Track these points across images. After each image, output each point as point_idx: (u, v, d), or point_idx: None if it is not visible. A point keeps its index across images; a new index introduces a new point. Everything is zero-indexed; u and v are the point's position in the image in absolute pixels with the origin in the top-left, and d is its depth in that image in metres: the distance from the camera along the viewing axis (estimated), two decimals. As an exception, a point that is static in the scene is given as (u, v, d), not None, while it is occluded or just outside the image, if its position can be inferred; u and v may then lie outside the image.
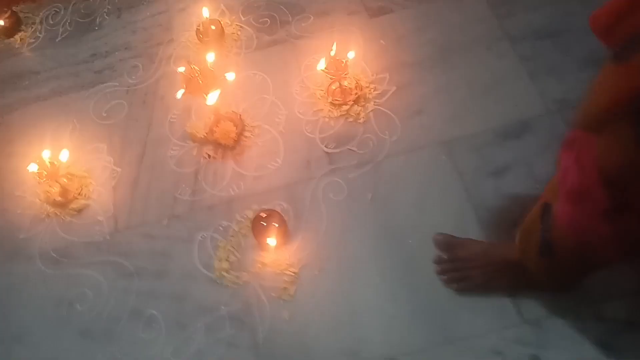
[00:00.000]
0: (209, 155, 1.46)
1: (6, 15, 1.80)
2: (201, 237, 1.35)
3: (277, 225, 1.27)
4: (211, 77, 1.31)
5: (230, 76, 1.35)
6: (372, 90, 1.48)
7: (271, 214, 1.29)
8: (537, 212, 0.98)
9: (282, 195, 1.37)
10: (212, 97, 1.32)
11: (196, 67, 1.30)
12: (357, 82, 1.48)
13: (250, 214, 1.34)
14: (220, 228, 1.35)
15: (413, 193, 1.32)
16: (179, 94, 1.33)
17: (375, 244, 1.27)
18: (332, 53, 1.41)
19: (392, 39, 1.57)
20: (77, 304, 1.31)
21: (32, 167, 1.39)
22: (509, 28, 1.53)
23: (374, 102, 1.46)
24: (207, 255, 1.32)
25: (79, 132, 1.56)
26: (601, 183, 0.77)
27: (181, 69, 1.33)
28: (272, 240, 1.25)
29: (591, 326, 1.11)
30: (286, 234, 1.28)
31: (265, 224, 1.28)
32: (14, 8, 1.85)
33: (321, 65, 1.41)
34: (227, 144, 1.44)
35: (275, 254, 1.28)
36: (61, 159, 1.42)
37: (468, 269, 1.17)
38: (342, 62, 1.41)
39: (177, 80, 1.57)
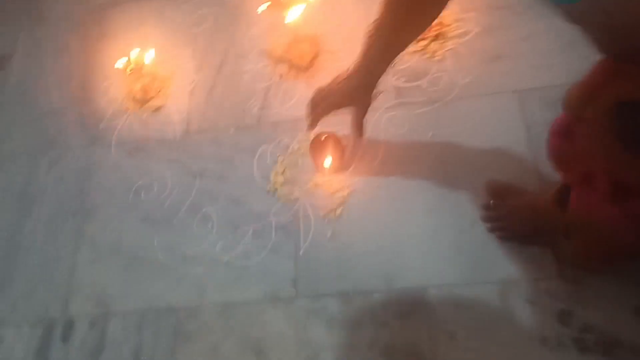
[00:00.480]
0: (282, 75, 1.49)
1: None
2: (262, 149, 1.41)
3: (334, 148, 1.30)
4: (293, -7, 1.34)
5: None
6: (454, 28, 1.44)
7: (330, 137, 1.32)
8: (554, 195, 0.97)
9: (345, 121, 1.39)
10: (293, 14, 1.34)
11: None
12: (440, 19, 1.44)
13: (311, 135, 1.37)
14: (282, 144, 1.40)
15: (475, 138, 1.30)
16: (261, 8, 1.36)
17: (427, 181, 1.28)
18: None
19: (485, -21, 1.50)
20: (142, 192, 1.42)
21: (119, 63, 1.48)
22: None
23: (454, 41, 1.43)
24: (265, 167, 1.38)
25: (167, 36, 1.64)
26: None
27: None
28: (327, 162, 1.29)
29: (630, 291, 1.08)
30: (342, 159, 1.32)
31: (323, 146, 1.31)
32: None
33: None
34: (301, 65, 1.47)
35: (329, 176, 1.31)
36: (146, 58, 1.50)
37: (513, 220, 1.16)
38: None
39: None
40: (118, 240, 1.38)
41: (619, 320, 1.05)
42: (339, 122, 1.36)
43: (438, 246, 1.21)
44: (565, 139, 0.88)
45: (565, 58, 1.35)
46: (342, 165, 1.32)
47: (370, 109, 1.31)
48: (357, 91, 1.17)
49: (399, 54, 1.11)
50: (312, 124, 1.24)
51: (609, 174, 0.82)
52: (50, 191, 1.49)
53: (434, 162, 1.30)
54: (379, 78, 1.14)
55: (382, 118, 1.37)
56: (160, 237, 1.35)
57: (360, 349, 1.15)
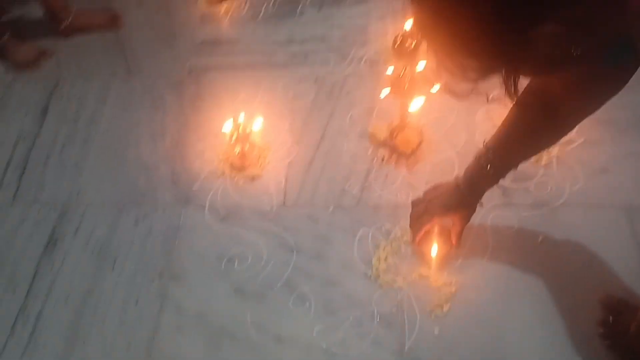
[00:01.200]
0: (383, 158, 1.50)
1: (220, -16, 1.95)
2: (363, 232, 1.39)
3: (441, 238, 1.29)
4: (417, 84, 1.36)
5: (436, 88, 1.39)
6: (559, 136, 1.47)
7: (440, 228, 1.31)
8: None
9: (449, 214, 1.39)
10: (417, 104, 1.36)
11: (407, 71, 1.35)
12: (545, 126, 1.47)
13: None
14: (383, 229, 1.39)
15: (585, 248, 1.30)
16: (384, 92, 1.38)
17: (536, 284, 1.26)
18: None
19: (588, 92, 1.55)
20: (236, 261, 1.39)
21: (226, 127, 1.49)
22: None
23: (559, 148, 1.45)
24: (365, 251, 1.36)
25: (265, 106, 1.66)
26: None
27: (390, 71, 1.38)
28: (434, 251, 1.27)
29: None
30: (450, 252, 1.30)
31: (430, 235, 1.30)
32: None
33: (519, 100, 1.42)
34: (404, 151, 1.48)
35: (435, 268, 1.29)
36: (253, 127, 1.51)
37: (635, 340, 1.13)
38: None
39: (365, 81, 1.65)
40: (206, 309, 1.33)
41: None
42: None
43: (545, 354, 1.17)
44: None
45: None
46: (448, 259, 1.30)
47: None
48: (459, 206, 1.22)
49: (505, 176, 1.13)
50: (416, 237, 1.28)
51: None
52: (135, 247, 1.45)
53: (544, 267, 1.29)
54: (482, 196, 1.17)
55: (488, 216, 1.37)
56: (253, 312, 1.31)
57: None
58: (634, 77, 1.45)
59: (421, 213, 1.29)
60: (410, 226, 1.32)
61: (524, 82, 0.85)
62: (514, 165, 1.12)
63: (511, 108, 1.03)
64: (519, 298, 1.25)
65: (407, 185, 1.46)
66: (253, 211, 1.47)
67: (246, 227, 1.44)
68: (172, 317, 1.33)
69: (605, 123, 1.49)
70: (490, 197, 1.39)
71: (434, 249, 1.28)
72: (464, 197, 1.20)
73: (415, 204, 1.31)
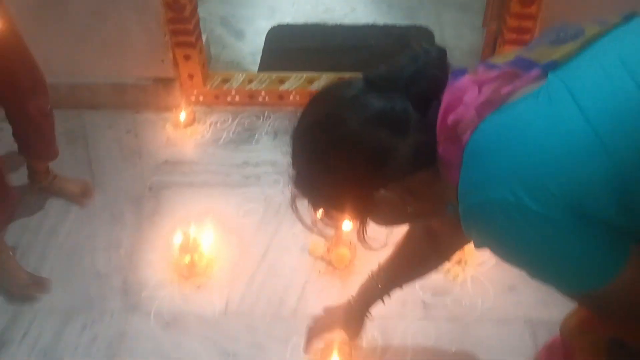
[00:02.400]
0: (320, 271, 1.66)
1: (187, 111, 2.19)
2: (296, 341, 1.50)
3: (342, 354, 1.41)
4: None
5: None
6: (474, 257, 1.66)
7: (340, 344, 1.42)
8: None
9: (374, 324, 1.52)
10: (349, 224, 1.54)
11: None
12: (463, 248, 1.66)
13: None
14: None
15: (493, 358, 1.43)
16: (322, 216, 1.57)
17: (450, 395, 1.38)
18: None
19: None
20: (175, 367, 1.47)
21: (177, 238, 1.64)
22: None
23: (474, 268, 1.63)
24: (298, 357, 1.47)
25: (217, 221, 1.82)
26: None
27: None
28: None
29: None
30: None
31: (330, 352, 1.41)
32: (193, 108, 2.25)
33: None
34: (339, 266, 1.64)
35: None
36: (203, 239, 1.67)
37: None
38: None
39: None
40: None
41: None
42: (370, 325, 1.49)
43: None
44: (564, 356, 1.02)
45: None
46: None
47: (400, 315, 1.46)
48: (348, 320, 1.35)
49: (390, 293, 1.29)
50: (308, 343, 1.40)
51: None
52: (79, 353, 1.52)
53: (457, 377, 1.41)
54: (367, 311, 1.33)
55: (410, 328, 1.51)
56: (187, 416, 1.38)
57: None
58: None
59: (317, 327, 1.40)
60: (306, 336, 1.41)
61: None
62: (400, 285, 1.28)
63: (402, 237, 1.22)
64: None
65: (340, 296, 1.59)
66: (196, 318, 1.58)
67: (188, 334, 1.54)
68: (109, 420, 1.39)
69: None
70: (413, 310, 1.54)
71: None
72: (353, 311, 1.33)
73: (315, 319, 1.41)
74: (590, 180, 0.67)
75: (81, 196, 1.91)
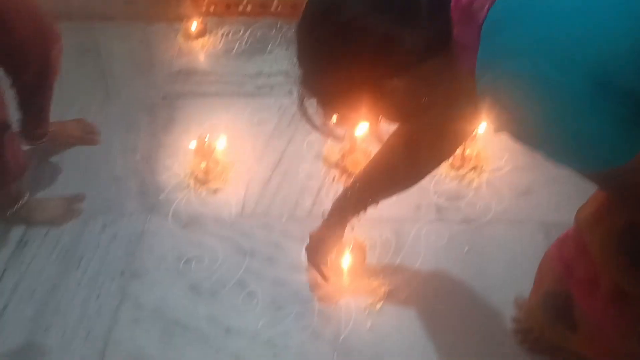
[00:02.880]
0: (334, 178, 1.67)
1: (198, 21, 2.16)
2: (311, 240, 1.53)
3: (355, 251, 1.42)
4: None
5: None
6: (489, 163, 1.66)
7: (352, 241, 1.45)
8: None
9: (388, 226, 1.55)
10: (361, 129, 1.54)
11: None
12: (478, 152, 1.66)
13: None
14: (329, 238, 1.53)
15: (506, 258, 1.46)
16: (334, 118, 1.56)
17: (462, 289, 1.41)
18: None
19: (517, 128, 1.75)
20: (193, 262, 1.51)
21: (193, 144, 1.65)
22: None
23: (489, 173, 1.64)
24: (312, 256, 1.50)
25: (231, 129, 1.82)
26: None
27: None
28: (345, 262, 1.40)
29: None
30: (363, 262, 1.43)
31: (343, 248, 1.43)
32: (204, 18, 2.21)
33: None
34: (353, 171, 1.65)
35: (347, 277, 1.42)
36: (218, 145, 1.67)
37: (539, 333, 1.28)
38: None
39: (323, 111, 1.83)
40: (162, 304, 1.44)
41: None
42: (385, 227, 1.51)
43: (470, 350, 1.31)
44: (576, 247, 1.03)
45: (583, 201, 1.55)
46: (360, 268, 1.43)
47: (414, 218, 1.48)
48: (331, 237, 1.34)
49: (365, 209, 1.27)
50: (324, 277, 1.37)
51: (614, 281, 0.95)
52: (100, 249, 1.57)
53: (468, 274, 1.44)
54: (345, 225, 1.32)
55: (423, 229, 1.53)
56: (205, 307, 1.43)
57: None
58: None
59: (314, 252, 1.37)
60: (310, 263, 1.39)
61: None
62: (374, 200, 1.25)
63: (380, 147, 1.18)
64: (445, 299, 1.39)
65: (353, 201, 1.62)
66: (213, 219, 1.61)
67: (205, 233, 1.58)
68: (130, 310, 1.44)
69: (531, 153, 1.67)
70: (426, 213, 1.56)
71: (346, 261, 1.40)
72: (329, 224, 1.32)
73: (306, 250, 1.39)
74: (617, 47, 0.65)
75: (86, 134, 1.84)
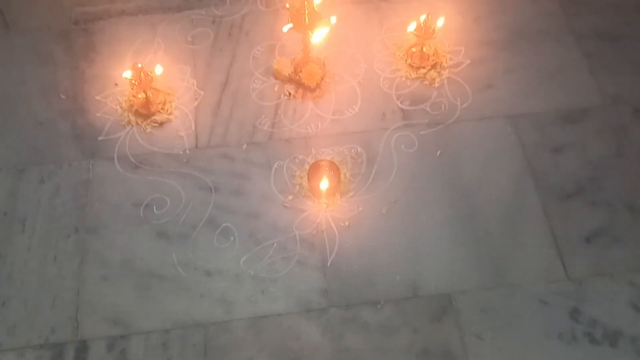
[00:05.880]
0: (290, 93, 1.55)
1: None
2: (278, 165, 1.44)
3: (331, 173, 1.36)
4: (316, 17, 1.40)
5: (334, 19, 1.44)
6: (448, 59, 1.59)
7: (327, 163, 1.39)
8: None
9: (356, 139, 1.48)
10: (319, 35, 1.40)
11: (306, 5, 1.38)
12: (435, 50, 1.59)
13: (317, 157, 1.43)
14: (297, 160, 1.44)
15: (479, 155, 1.44)
16: (286, 27, 1.41)
17: (440, 194, 1.39)
18: (423, 18, 1.51)
19: (469, 18, 1.68)
20: (154, 207, 1.39)
21: (127, 74, 1.45)
22: (575, 26, 1.66)
23: (449, 70, 1.57)
24: (282, 181, 1.42)
25: (163, 51, 1.62)
26: None
27: (288, 5, 1.41)
28: (323, 185, 1.34)
29: (624, 290, 1.26)
30: (338, 183, 1.37)
31: (320, 171, 1.37)
32: None
33: (411, 27, 1.52)
34: (309, 85, 1.53)
35: (326, 199, 1.37)
36: (156, 72, 1.48)
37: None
38: (430, 27, 1.51)
39: (263, 18, 1.67)
40: (131, 257, 1.33)
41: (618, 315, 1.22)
42: (352, 141, 1.44)
43: (457, 253, 1.32)
44: None
45: (545, 88, 1.55)
46: (337, 189, 1.38)
47: (380, 127, 1.41)
48: None
49: None
50: None
51: None
52: (43, 206, 1.40)
53: (445, 177, 1.42)
54: None
55: (392, 137, 1.48)
56: (179, 253, 1.33)
57: (398, 353, 1.21)
58: (498, 3, 1.58)
59: None
60: None
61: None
62: None
63: None
64: (426, 208, 1.38)
65: (315, 116, 1.52)
66: (165, 156, 1.46)
67: (160, 173, 1.44)
68: (95, 268, 1.32)
69: (486, 44, 1.63)
70: (392, 120, 1.49)
71: (324, 184, 1.34)
72: None
73: None
74: None
75: None
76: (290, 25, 1.40)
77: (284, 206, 1.38)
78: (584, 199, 1.38)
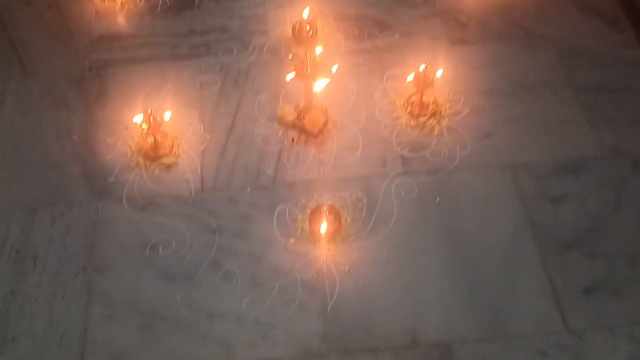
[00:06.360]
0: (293, 139, 1.60)
1: (112, -22, 1.94)
2: (280, 208, 1.48)
3: (331, 217, 1.40)
4: (318, 67, 1.46)
5: (335, 69, 1.50)
6: (447, 108, 1.65)
7: (329, 207, 1.43)
8: None
9: (357, 185, 1.52)
10: (320, 85, 1.46)
11: (309, 56, 1.45)
12: (434, 98, 1.64)
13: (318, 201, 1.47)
14: (299, 204, 1.49)
15: (477, 203, 1.48)
16: (289, 76, 1.48)
17: (439, 241, 1.42)
18: (421, 69, 1.57)
19: (469, 68, 1.74)
20: (159, 248, 1.43)
21: (137, 118, 1.51)
22: (574, 78, 1.71)
23: (449, 119, 1.63)
24: (284, 225, 1.45)
25: (172, 97, 1.69)
26: None
27: (291, 56, 1.47)
28: (323, 228, 1.38)
29: (624, 344, 1.27)
30: (338, 228, 1.41)
31: (321, 215, 1.41)
32: (118, -26, 1.99)
33: (411, 77, 1.58)
34: (312, 131, 1.59)
35: (327, 242, 1.41)
36: (165, 117, 1.54)
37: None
38: (429, 78, 1.57)
39: (269, 67, 1.74)
40: (135, 297, 1.36)
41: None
42: (353, 186, 1.48)
43: (456, 302, 1.34)
44: None
45: (544, 139, 1.59)
46: (337, 233, 1.41)
47: (381, 173, 1.45)
48: None
49: None
50: None
51: None
52: (54, 246, 1.44)
53: (444, 225, 1.45)
54: None
55: (392, 183, 1.51)
56: (182, 294, 1.36)
57: (395, 399, 1.22)
58: (498, 54, 1.64)
59: None
60: None
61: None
62: None
63: None
64: (425, 255, 1.40)
65: (318, 162, 1.57)
66: (172, 198, 1.51)
67: (167, 214, 1.48)
68: (102, 307, 1.35)
69: (486, 94, 1.68)
70: (393, 166, 1.53)
71: (323, 227, 1.38)
72: None
73: None
74: None
75: None
76: (293, 74, 1.46)
77: (286, 249, 1.41)
78: (583, 251, 1.40)
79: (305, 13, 1.79)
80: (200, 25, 1.89)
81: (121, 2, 1.96)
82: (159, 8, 1.94)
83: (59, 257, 1.42)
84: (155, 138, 1.56)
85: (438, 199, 1.49)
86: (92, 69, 1.78)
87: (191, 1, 1.96)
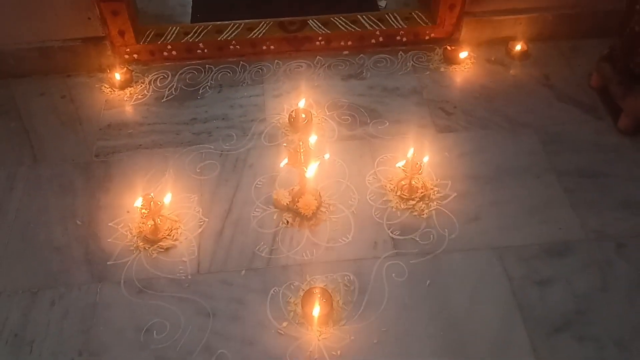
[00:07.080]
0: (287, 222, 1.66)
1: (122, 71, 2.08)
2: (274, 291, 1.52)
3: (323, 300, 1.44)
4: (310, 154, 1.55)
5: (327, 156, 1.58)
6: (435, 192, 1.72)
7: (321, 290, 1.46)
8: None
9: (349, 267, 1.56)
10: (312, 170, 1.55)
11: (302, 144, 1.54)
12: (423, 183, 1.72)
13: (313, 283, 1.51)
14: (292, 286, 1.52)
15: (466, 286, 1.51)
16: (283, 163, 1.56)
17: (430, 324, 1.45)
18: (409, 155, 1.66)
19: (455, 154, 1.83)
20: (154, 331, 1.45)
21: (138, 203, 1.59)
22: (556, 163, 1.80)
23: (437, 202, 1.69)
24: (277, 308, 1.49)
25: (173, 182, 1.77)
26: None
27: (286, 144, 1.56)
28: (315, 311, 1.41)
29: None
30: (330, 311, 1.44)
31: (313, 298, 1.44)
32: (128, 66, 2.13)
33: (400, 163, 1.66)
34: (306, 214, 1.65)
35: (319, 326, 1.43)
36: (164, 201, 1.62)
37: None
38: (417, 164, 1.65)
39: (266, 153, 1.83)
40: (129, 381, 1.38)
41: None
42: (345, 268, 1.53)
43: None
44: None
45: (529, 222, 1.64)
46: (329, 317, 1.44)
47: (372, 255, 1.49)
48: None
49: None
50: None
51: None
52: (52, 329, 1.47)
53: (434, 308, 1.48)
54: None
55: (383, 266, 1.56)
56: (175, 378, 1.37)
57: None
58: (481, 140, 1.73)
59: None
60: None
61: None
62: None
63: None
64: (416, 339, 1.42)
65: (311, 244, 1.62)
66: (168, 281, 1.55)
67: (162, 298, 1.52)
68: (94, 393, 1.36)
69: (472, 178, 1.76)
70: (384, 248, 1.59)
71: (316, 310, 1.41)
72: None
73: None
74: None
75: None
76: (286, 161, 1.55)
77: (279, 333, 1.44)
78: (572, 334, 1.42)
79: (302, 103, 1.90)
80: (202, 113, 2.00)
81: (130, 92, 2.08)
82: (164, 98, 2.07)
83: (56, 341, 1.45)
84: (154, 222, 1.62)
85: (428, 282, 1.52)
86: (98, 155, 1.87)
87: (195, 91, 2.09)
